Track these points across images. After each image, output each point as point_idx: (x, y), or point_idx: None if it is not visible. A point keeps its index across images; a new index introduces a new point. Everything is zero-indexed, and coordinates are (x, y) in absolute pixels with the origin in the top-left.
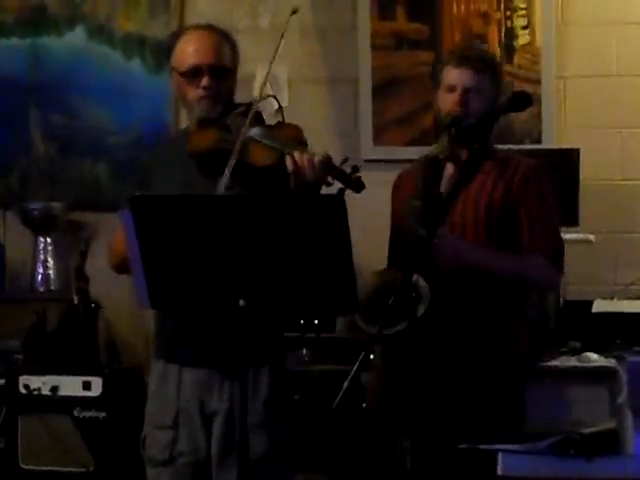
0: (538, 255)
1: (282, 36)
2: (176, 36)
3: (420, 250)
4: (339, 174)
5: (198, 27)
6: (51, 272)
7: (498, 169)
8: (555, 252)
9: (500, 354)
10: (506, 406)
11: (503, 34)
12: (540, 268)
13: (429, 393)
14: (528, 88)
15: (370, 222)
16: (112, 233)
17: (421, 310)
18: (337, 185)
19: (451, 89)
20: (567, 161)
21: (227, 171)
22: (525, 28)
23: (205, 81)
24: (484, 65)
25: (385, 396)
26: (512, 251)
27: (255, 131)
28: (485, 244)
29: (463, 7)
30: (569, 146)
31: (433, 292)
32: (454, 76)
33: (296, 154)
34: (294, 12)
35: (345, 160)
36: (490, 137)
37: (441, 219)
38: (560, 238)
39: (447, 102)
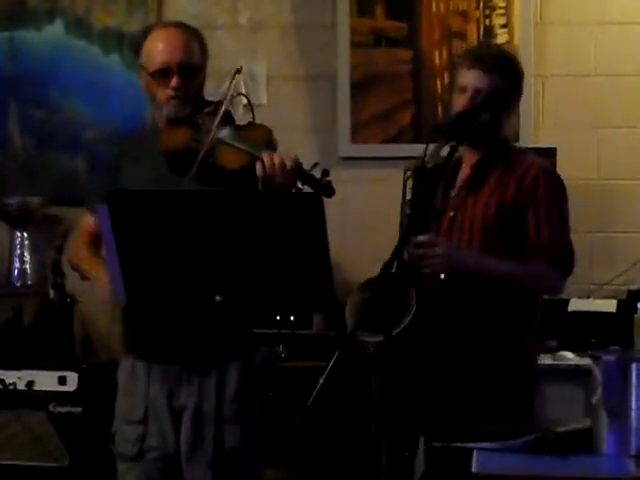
0: (541, 260)
1: (227, 97)
2: (145, 33)
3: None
4: (309, 179)
5: (166, 25)
6: (27, 267)
7: (509, 171)
8: (561, 256)
9: (505, 357)
10: (514, 408)
11: (482, 32)
12: (541, 274)
13: (428, 390)
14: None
15: (348, 219)
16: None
17: (406, 320)
18: (307, 190)
19: (462, 90)
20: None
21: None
22: (504, 27)
23: (174, 81)
24: (495, 65)
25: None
26: (520, 254)
27: (225, 132)
28: (493, 247)
29: (442, 5)
30: (546, 145)
31: (418, 309)
32: (465, 77)
33: (266, 158)
34: (238, 72)
35: (315, 165)
36: (495, 137)
37: (426, 227)
38: (568, 241)
39: (458, 103)
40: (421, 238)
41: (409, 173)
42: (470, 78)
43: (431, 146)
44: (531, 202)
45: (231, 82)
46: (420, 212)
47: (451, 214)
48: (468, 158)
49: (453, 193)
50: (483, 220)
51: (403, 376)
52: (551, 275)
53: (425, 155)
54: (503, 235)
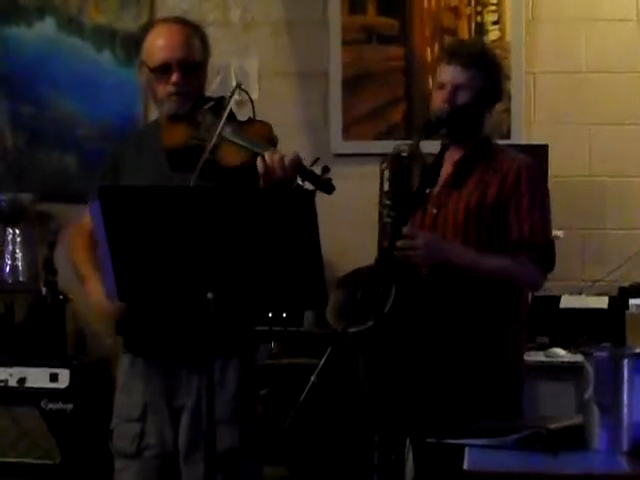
0: (523, 254)
1: (227, 106)
2: (146, 29)
3: (391, 251)
4: (309, 175)
5: (168, 21)
6: (19, 263)
7: (492, 169)
8: (542, 251)
9: (493, 353)
10: (503, 404)
11: (473, 29)
12: (522, 268)
13: (415, 388)
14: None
15: (339, 216)
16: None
17: (387, 306)
18: (307, 186)
19: (442, 86)
20: (535, 157)
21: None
22: (495, 23)
23: (175, 77)
24: (473, 60)
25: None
26: (502, 250)
27: (228, 130)
28: (475, 244)
29: (433, 2)
30: (538, 142)
31: (399, 289)
32: (444, 73)
33: (267, 155)
34: (239, 86)
35: (315, 161)
36: (477, 134)
37: (407, 218)
38: (549, 237)
39: (437, 99)
40: (402, 230)
41: (385, 164)
42: (449, 74)
43: (408, 142)
44: (513, 196)
45: (230, 97)
46: (399, 205)
47: (434, 211)
48: (450, 155)
49: (436, 190)
50: (465, 218)
51: (389, 374)
52: (532, 270)
53: (409, 142)
54: (485, 233)
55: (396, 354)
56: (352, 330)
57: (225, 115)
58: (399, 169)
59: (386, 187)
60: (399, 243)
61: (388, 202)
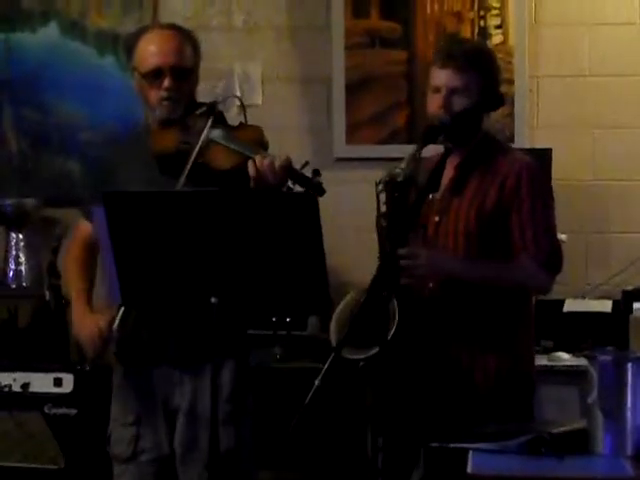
0: (528, 260)
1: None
2: (137, 35)
3: (390, 270)
4: (300, 178)
5: (159, 26)
6: (23, 268)
7: (491, 173)
8: (547, 254)
9: (505, 360)
10: (516, 411)
11: (476, 33)
12: (528, 273)
13: (421, 395)
14: (501, 88)
15: (342, 220)
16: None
17: (390, 333)
18: (298, 189)
19: (437, 90)
20: (539, 161)
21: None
22: (498, 28)
23: (167, 83)
24: (469, 62)
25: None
26: (506, 256)
27: (216, 133)
28: (478, 251)
29: (436, 6)
30: (541, 146)
31: (402, 313)
32: (439, 77)
33: (257, 158)
34: (234, 96)
35: (305, 164)
36: (476, 136)
37: (405, 238)
38: (554, 238)
39: (433, 104)
40: (401, 251)
41: (380, 187)
42: (444, 77)
43: (407, 153)
44: (514, 201)
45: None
46: (397, 226)
47: (436, 219)
48: (451, 159)
49: (438, 196)
50: (466, 226)
51: (399, 381)
52: (537, 274)
53: (403, 165)
54: (487, 239)
55: (406, 364)
56: (357, 357)
57: (211, 118)
58: (394, 194)
59: (383, 209)
60: (402, 263)
61: (385, 224)
